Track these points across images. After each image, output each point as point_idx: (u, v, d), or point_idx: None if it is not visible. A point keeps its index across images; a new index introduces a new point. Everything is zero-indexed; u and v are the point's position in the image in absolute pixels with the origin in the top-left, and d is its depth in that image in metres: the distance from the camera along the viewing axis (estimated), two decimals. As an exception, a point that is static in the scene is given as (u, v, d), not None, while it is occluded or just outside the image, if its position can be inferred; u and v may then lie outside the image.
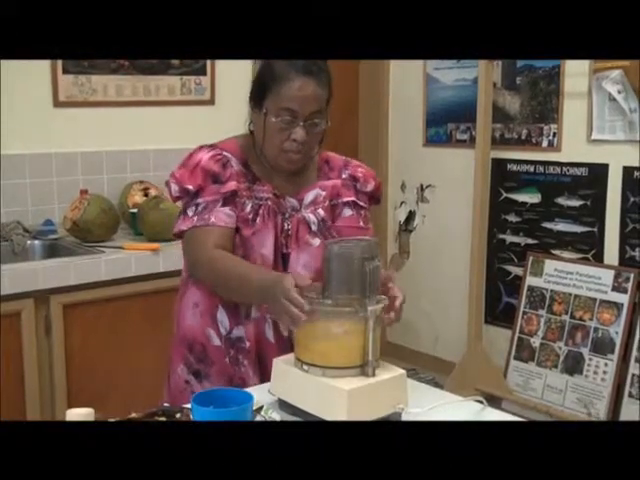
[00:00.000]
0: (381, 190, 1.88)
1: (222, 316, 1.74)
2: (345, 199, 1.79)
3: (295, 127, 1.65)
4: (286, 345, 1.65)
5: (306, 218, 1.75)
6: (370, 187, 1.83)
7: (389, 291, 1.52)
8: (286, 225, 1.73)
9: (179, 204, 1.78)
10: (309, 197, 1.77)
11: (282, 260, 1.72)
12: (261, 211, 1.71)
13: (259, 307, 1.71)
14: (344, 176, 1.81)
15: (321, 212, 1.76)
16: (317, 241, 1.74)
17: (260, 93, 1.69)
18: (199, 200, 1.69)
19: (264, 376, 1.69)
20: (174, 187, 1.72)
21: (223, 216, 1.68)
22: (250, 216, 1.70)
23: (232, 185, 1.69)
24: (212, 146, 1.75)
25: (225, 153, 1.73)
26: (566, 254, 3.61)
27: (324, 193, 1.77)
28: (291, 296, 1.42)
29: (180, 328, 1.82)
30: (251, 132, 1.76)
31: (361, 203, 1.81)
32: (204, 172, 1.69)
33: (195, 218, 1.69)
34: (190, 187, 1.69)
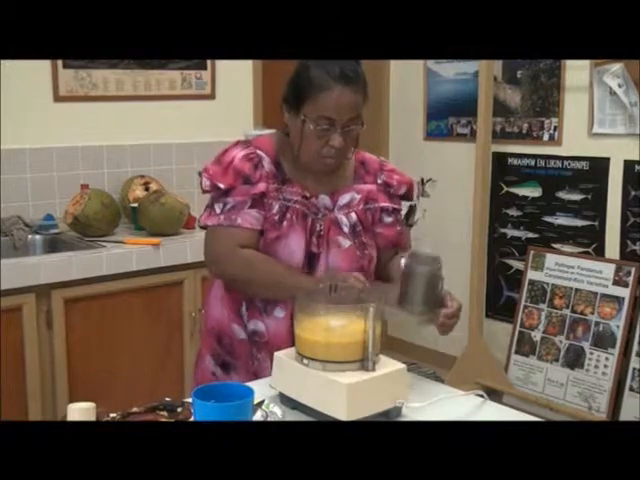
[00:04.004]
0: (413, 190, 1.91)
1: (244, 310, 1.78)
2: (382, 204, 1.82)
3: (333, 134, 1.66)
4: None
5: (338, 219, 1.77)
6: (403, 190, 1.87)
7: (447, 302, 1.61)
8: (318, 226, 1.75)
9: (206, 196, 1.80)
10: (344, 199, 1.79)
11: (310, 260, 1.73)
12: (288, 214, 1.73)
13: (285, 307, 1.73)
14: (379, 181, 1.84)
15: (354, 216, 1.78)
16: (347, 243, 1.77)
17: (297, 99, 1.68)
18: (228, 199, 1.72)
19: None
20: (206, 181, 1.74)
21: (250, 218, 1.71)
22: (276, 217, 1.72)
23: (262, 187, 1.72)
24: (247, 143, 1.77)
25: (259, 152, 1.75)
26: (567, 248, 3.61)
27: (359, 197, 1.80)
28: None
29: (209, 320, 1.86)
30: (286, 134, 1.75)
31: (396, 207, 1.86)
32: (236, 172, 1.71)
33: (222, 217, 1.72)
34: (221, 186, 1.72)
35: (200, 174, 1.77)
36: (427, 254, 1.60)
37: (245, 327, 1.78)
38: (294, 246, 1.72)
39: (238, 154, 1.73)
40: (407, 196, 1.90)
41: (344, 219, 1.77)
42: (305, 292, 1.58)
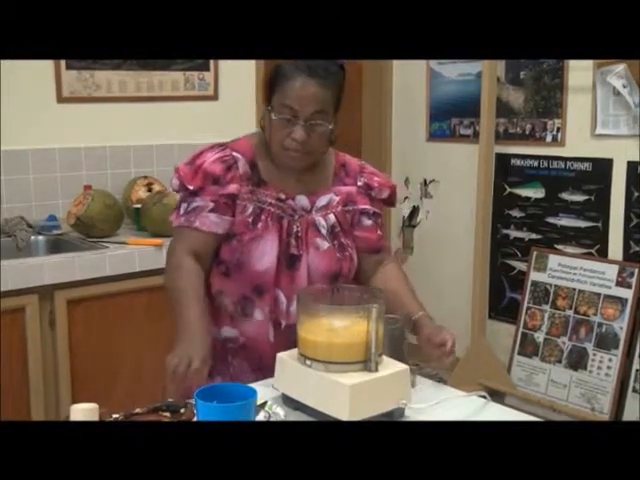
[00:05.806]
0: (396, 194, 1.91)
1: (212, 317, 1.77)
2: (361, 206, 1.81)
3: (295, 126, 1.65)
4: (287, 345, 1.61)
5: (316, 221, 1.76)
6: (385, 194, 1.86)
7: (441, 336, 1.64)
8: (295, 227, 1.74)
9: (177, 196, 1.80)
10: (323, 201, 1.78)
11: (290, 262, 1.72)
12: (263, 216, 1.72)
13: (263, 309, 1.72)
14: (359, 183, 1.83)
15: (332, 217, 1.78)
16: (326, 245, 1.75)
17: (268, 91, 1.69)
18: (194, 199, 1.71)
19: (259, 375, 1.71)
20: (175, 181, 1.75)
21: (208, 221, 1.70)
22: (250, 219, 1.71)
23: (232, 188, 1.70)
24: (222, 146, 1.76)
25: (234, 154, 1.73)
26: (570, 249, 3.61)
27: (338, 198, 1.79)
28: (181, 368, 1.52)
29: None
30: (262, 129, 1.75)
31: (377, 210, 1.85)
32: (205, 174, 1.70)
33: (182, 218, 1.72)
34: (190, 187, 1.71)
35: (173, 174, 1.77)
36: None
37: (219, 333, 1.77)
38: (267, 248, 1.70)
39: (211, 157, 1.72)
40: (390, 201, 1.89)
41: (322, 221, 1.76)
42: (179, 328, 1.65)
